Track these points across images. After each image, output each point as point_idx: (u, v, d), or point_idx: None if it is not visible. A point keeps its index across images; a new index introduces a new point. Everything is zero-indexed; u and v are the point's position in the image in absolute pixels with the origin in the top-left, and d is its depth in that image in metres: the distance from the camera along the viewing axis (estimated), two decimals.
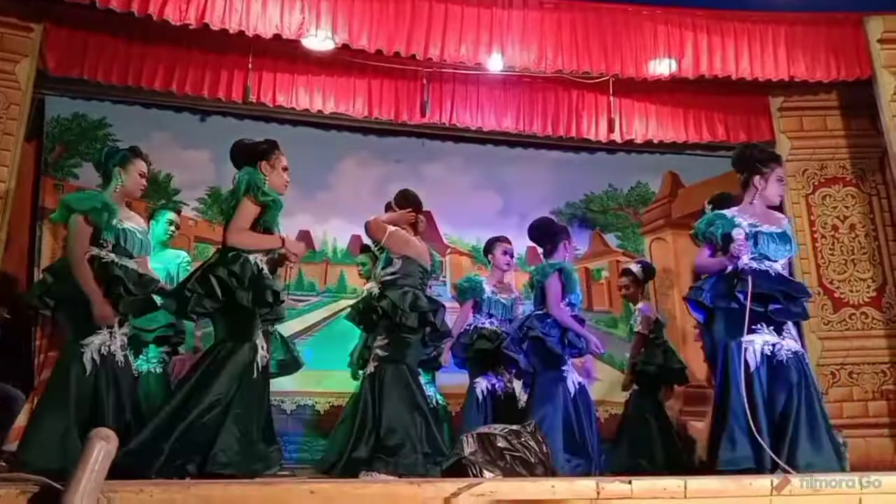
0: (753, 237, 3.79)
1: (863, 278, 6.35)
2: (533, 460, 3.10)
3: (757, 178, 3.94)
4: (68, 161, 6.55)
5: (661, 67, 6.09)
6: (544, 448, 3.21)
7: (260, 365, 3.46)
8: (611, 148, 7.20)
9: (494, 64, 6.05)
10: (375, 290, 4.29)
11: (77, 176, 6.55)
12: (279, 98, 6.38)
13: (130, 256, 3.90)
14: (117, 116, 6.69)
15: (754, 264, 3.78)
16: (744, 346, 3.64)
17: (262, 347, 3.50)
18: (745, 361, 3.61)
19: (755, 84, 6.31)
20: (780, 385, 3.58)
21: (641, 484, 2.69)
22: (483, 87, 6.71)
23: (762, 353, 3.64)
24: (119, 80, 6.10)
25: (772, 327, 3.70)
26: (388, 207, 4.57)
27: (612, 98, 6.59)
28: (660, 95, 6.75)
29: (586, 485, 2.64)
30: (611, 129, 6.68)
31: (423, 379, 5.54)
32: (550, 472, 3.26)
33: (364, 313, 4.23)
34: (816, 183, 6.56)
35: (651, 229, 7.61)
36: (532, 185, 7.47)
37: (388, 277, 4.24)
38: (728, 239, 3.76)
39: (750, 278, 3.64)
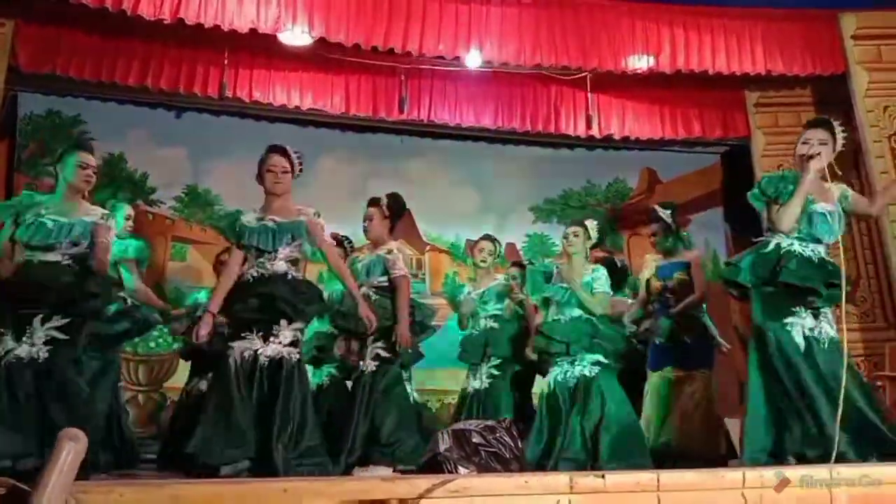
0: (808, 216, 3.53)
1: None
2: (508, 456, 3.09)
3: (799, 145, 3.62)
4: (42, 159, 6.46)
5: (639, 63, 6.12)
6: (519, 444, 3.22)
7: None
8: (589, 144, 7.23)
9: (473, 59, 6.05)
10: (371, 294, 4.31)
11: (52, 174, 6.44)
12: (256, 94, 6.33)
13: (47, 249, 3.55)
14: (92, 113, 6.61)
15: (797, 246, 3.52)
16: (787, 329, 3.44)
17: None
18: (790, 346, 3.42)
19: (731, 80, 6.37)
20: (820, 371, 3.39)
21: (615, 477, 2.69)
22: (461, 83, 6.71)
23: (804, 338, 3.44)
24: (93, 75, 6.04)
25: (810, 311, 3.49)
26: (373, 203, 4.50)
27: (589, 94, 6.62)
28: (637, 92, 6.78)
29: (559, 479, 2.64)
30: (589, 126, 6.71)
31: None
32: (525, 467, 3.27)
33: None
34: None
35: (628, 225, 7.64)
36: (511, 181, 7.48)
37: (385, 283, 4.33)
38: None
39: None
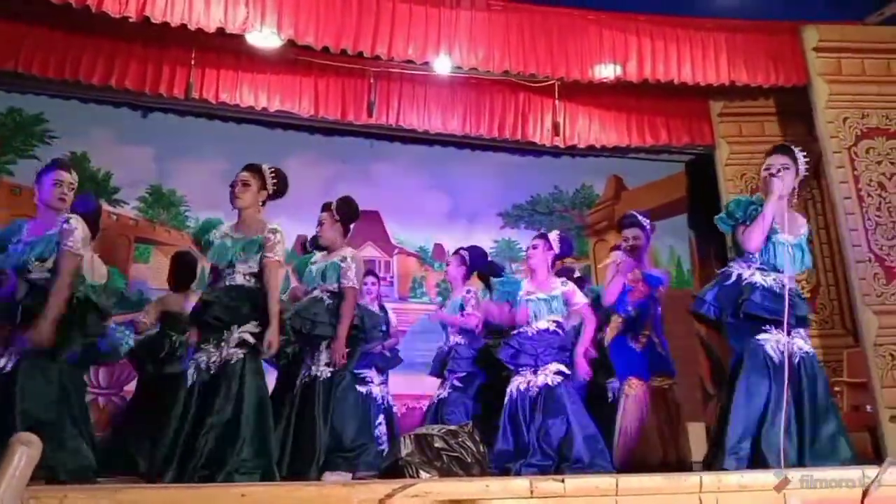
0: (772, 246, 3.61)
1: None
2: (469, 460, 3.11)
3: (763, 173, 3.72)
4: (2, 157, 6.36)
5: (606, 71, 6.17)
6: (481, 448, 3.23)
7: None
8: (556, 151, 7.28)
9: (442, 64, 6.05)
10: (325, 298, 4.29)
11: (12, 173, 6.36)
12: (222, 95, 6.26)
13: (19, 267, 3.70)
14: (55, 111, 6.52)
15: (758, 277, 3.61)
16: (760, 344, 3.53)
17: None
18: (765, 359, 3.50)
19: (696, 89, 6.44)
20: (794, 385, 3.48)
21: (574, 482, 2.72)
22: (430, 88, 6.71)
23: (776, 352, 3.51)
24: (56, 73, 5.93)
25: (780, 328, 3.54)
26: (325, 208, 4.51)
27: (557, 102, 6.66)
28: (604, 100, 6.84)
29: (520, 484, 2.66)
30: (556, 133, 6.74)
31: (378, 379, 5.62)
32: (487, 471, 3.28)
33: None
34: (754, 187, 6.72)
35: (595, 231, 7.72)
36: (480, 186, 7.52)
37: (337, 290, 4.30)
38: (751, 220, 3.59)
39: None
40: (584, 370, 4.39)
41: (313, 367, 4.15)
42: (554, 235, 4.59)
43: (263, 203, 3.87)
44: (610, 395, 4.97)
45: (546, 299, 4.39)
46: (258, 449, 3.40)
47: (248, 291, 3.69)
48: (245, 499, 2.44)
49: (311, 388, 4.10)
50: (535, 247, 4.54)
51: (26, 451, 2.30)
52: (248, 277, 3.70)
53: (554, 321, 4.39)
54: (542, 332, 4.32)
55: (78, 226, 3.68)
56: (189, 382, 3.58)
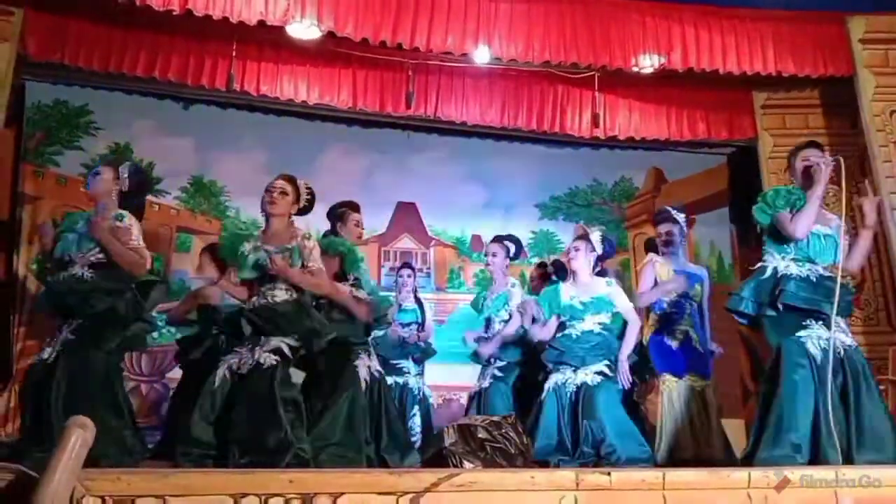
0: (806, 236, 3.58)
1: None
2: (513, 451, 3.11)
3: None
4: (48, 148, 6.49)
5: (649, 61, 6.09)
6: (524, 439, 3.23)
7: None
8: (595, 143, 7.22)
9: (481, 55, 6.03)
10: None
11: (58, 164, 6.49)
12: (263, 87, 6.31)
13: (67, 263, 3.87)
14: (99, 103, 6.62)
15: (794, 268, 3.60)
16: (801, 342, 3.49)
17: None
18: (806, 356, 3.46)
19: (740, 80, 6.35)
20: (834, 383, 3.44)
21: (620, 475, 2.70)
22: (468, 79, 6.69)
23: (819, 348, 3.48)
24: (101, 66, 6.02)
25: (820, 322, 3.53)
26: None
27: (596, 93, 6.59)
28: (643, 92, 6.76)
29: (565, 475, 2.65)
30: (595, 125, 6.68)
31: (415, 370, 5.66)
32: (530, 463, 3.28)
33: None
34: None
35: (634, 224, 7.65)
36: (517, 178, 7.49)
37: None
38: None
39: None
40: (626, 377, 4.35)
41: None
42: (596, 237, 4.53)
43: (291, 215, 3.89)
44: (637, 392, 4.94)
45: (590, 302, 4.37)
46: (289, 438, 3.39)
47: (290, 305, 3.69)
48: (293, 484, 2.47)
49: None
50: (577, 248, 4.50)
51: (82, 433, 2.35)
52: (287, 289, 3.71)
53: (599, 323, 4.36)
54: (587, 334, 4.31)
55: (132, 222, 3.83)
56: (216, 384, 3.59)
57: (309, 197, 3.91)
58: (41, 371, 3.72)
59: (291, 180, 3.88)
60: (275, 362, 3.55)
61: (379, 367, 4.43)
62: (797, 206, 3.59)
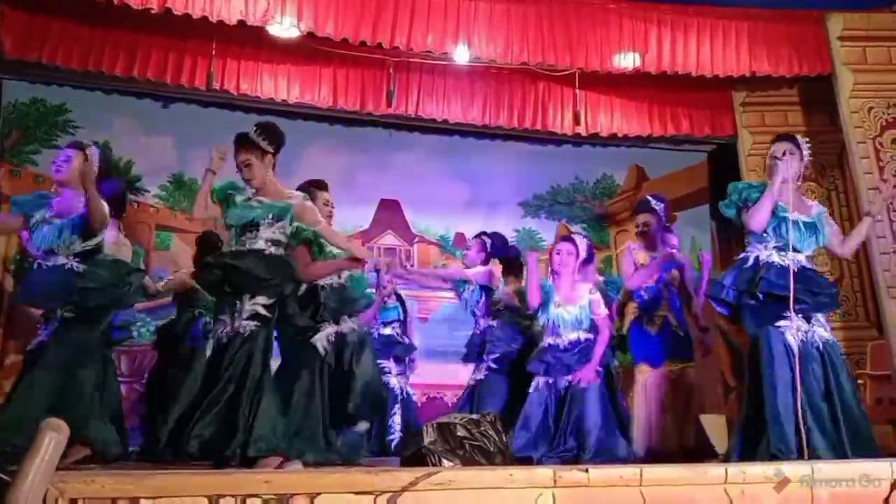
0: (784, 225, 3.63)
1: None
2: (492, 449, 3.12)
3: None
4: (26, 147, 6.41)
5: (626, 61, 6.13)
6: (503, 437, 3.24)
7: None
8: (577, 140, 7.24)
9: (461, 55, 6.04)
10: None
11: (36, 163, 6.41)
12: (243, 86, 6.30)
13: (47, 253, 3.89)
14: (77, 102, 6.55)
15: (776, 257, 3.64)
16: (780, 331, 3.53)
17: None
18: (785, 347, 3.49)
19: (718, 79, 6.38)
20: (814, 374, 3.50)
21: (598, 472, 2.71)
22: (449, 78, 6.70)
23: (796, 341, 3.51)
24: (79, 64, 5.98)
25: (799, 315, 3.56)
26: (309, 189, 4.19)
27: (577, 91, 6.62)
28: (625, 89, 6.80)
29: (544, 473, 2.66)
30: (576, 122, 6.72)
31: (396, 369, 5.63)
32: (509, 460, 3.29)
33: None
34: None
35: (616, 221, 7.68)
36: (500, 175, 7.50)
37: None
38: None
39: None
40: (588, 378, 4.37)
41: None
42: (582, 243, 4.59)
43: (274, 167, 3.64)
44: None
45: (574, 318, 4.41)
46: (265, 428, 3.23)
47: (268, 259, 3.50)
48: (269, 485, 2.46)
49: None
50: (559, 252, 4.54)
51: (55, 436, 2.33)
52: (269, 244, 3.51)
53: (585, 331, 4.41)
54: (574, 343, 4.36)
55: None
56: (209, 355, 3.45)
57: (264, 137, 3.60)
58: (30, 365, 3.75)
59: (242, 143, 3.60)
60: (255, 327, 3.39)
61: (345, 329, 3.99)
62: (752, 200, 3.69)
